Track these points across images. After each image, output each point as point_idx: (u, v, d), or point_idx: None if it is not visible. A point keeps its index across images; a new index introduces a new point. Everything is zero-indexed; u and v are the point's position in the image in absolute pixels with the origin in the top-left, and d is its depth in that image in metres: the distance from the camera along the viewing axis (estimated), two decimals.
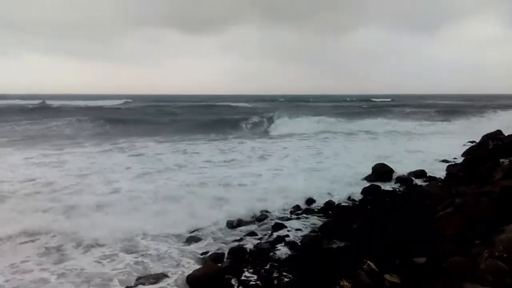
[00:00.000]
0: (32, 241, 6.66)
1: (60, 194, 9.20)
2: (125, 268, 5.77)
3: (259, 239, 6.86)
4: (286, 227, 7.30)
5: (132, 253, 6.29)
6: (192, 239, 6.82)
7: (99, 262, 5.96)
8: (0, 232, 6.79)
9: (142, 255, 6.21)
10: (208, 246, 6.61)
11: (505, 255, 3.81)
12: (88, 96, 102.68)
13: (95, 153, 15.43)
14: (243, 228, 7.38)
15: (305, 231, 7.07)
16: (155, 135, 21.81)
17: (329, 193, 9.31)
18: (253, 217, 7.93)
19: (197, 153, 15.80)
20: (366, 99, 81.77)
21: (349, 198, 9.14)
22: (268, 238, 6.88)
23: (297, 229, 7.19)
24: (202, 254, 6.28)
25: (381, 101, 72.05)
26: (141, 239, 6.78)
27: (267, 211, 8.16)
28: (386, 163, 11.27)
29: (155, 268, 5.78)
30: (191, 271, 5.45)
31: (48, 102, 54.08)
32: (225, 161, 13.83)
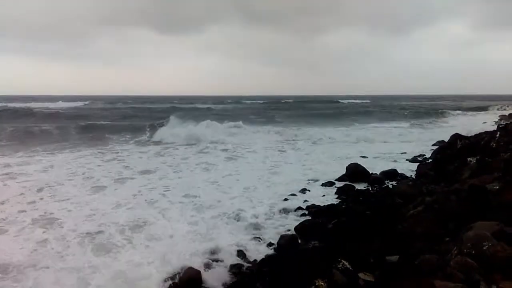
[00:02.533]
0: None
1: None
2: None
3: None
4: (262, 225, 7.39)
5: None
6: None
7: None
8: None
9: None
10: None
11: (473, 252, 3.93)
12: (51, 97, 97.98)
13: None
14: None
15: (282, 231, 7.12)
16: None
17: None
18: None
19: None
20: (334, 100, 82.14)
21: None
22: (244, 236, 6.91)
23: (274, 228, 7.29)
24: None
25: (349, 103, 72.43)
26: None
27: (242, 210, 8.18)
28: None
29: None
30: None
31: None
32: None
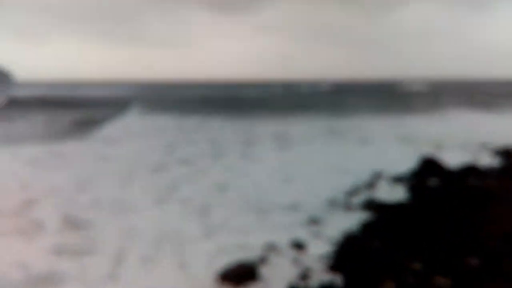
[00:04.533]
0: None
1: None
2: None
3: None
4: (323, 220, 7.12)
5: None
6: None
7: None
8: None
9: None
10: None
11: None
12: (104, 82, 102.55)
13: None
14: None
15: (346, 228, 6.82)
16: None
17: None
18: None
19: None
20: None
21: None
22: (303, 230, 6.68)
23: (337, 225, 6.96)
24: None
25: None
26: None
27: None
28: None
29: None
30: None
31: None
32: None
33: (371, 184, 9.58)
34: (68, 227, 6.86)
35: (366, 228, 6.65)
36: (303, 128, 20.09)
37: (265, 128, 20.37)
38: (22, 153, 13.40)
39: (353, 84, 74.42)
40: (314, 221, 7.14)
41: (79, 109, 31.73)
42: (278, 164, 12.07)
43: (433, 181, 9.44)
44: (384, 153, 13.32)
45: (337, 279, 4.99)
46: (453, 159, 11.17)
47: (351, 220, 7.04)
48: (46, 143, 15.34)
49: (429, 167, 10.30)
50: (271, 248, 6.03)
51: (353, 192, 8.88)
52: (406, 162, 10.82)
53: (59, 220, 7.09)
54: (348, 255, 5.69)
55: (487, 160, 11.62)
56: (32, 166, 11.47)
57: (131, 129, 20.21)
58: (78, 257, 5.76)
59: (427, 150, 12.48)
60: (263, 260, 5.66)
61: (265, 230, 6.78)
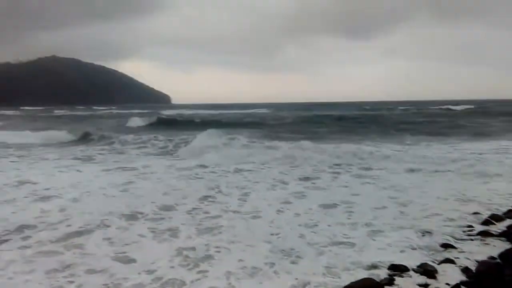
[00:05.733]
0: None
1: None
2: None
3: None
4: (455, 247, 6.46)
5: None
6: None
7: None
8: None
9: None
10: None
11: None
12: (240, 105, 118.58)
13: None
14: None
15: (481, 257, 6.04)
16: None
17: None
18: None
19: None
20: None
21: None
22: (434, 257, 6.16)
23: (470, 252, 6.23)
24: None
25: None
26: None
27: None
28: None
29: None
30: None
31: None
32: None
33: None
34: None
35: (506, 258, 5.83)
36: (430, 150, 18.76)
37: (391, 146, 20.01)
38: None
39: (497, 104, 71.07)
40: (445, 247, 6.58)
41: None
42: (396, 184, 11.28)
43: None
44: None
45: None
46: None
47: (488, 249, 6.28)
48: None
49: None
50: (397, 270, 5.73)
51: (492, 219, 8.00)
52: None
53: None
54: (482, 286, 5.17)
55: None
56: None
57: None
58: None
59: None
60: (389, 282, 5.42)
61: (390, 251, 6.47)
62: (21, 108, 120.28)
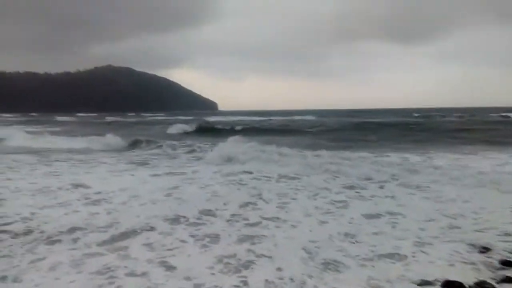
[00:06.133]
0: None
1: None
2: None
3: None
4: None
5: None
6: None
7: None
8: None
9: None
10: None
11: None
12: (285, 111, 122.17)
13: None
14: None
15: None
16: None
17: None
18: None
19: None
20: None
21: None
22: (493, 275, 5.72)
23: None
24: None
25: None
26: None
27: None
28: None
29: None
30: None
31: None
32: None
33: None
34: None
35: None
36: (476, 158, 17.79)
37: (442, 154, 19.22)
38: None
39: None
40: (504, 264, 6.10)
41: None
42: (446, 195, 10.65)
43: None
44: None
45: None
46: None
47: None
48: None
49: None
50: (452, 286, 5.40)
51: None
52: None
53: None
54: None
55: None
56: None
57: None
58: None
59: None
60: None
61: (440, 266, 6.12)
62: (77, 114, 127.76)
